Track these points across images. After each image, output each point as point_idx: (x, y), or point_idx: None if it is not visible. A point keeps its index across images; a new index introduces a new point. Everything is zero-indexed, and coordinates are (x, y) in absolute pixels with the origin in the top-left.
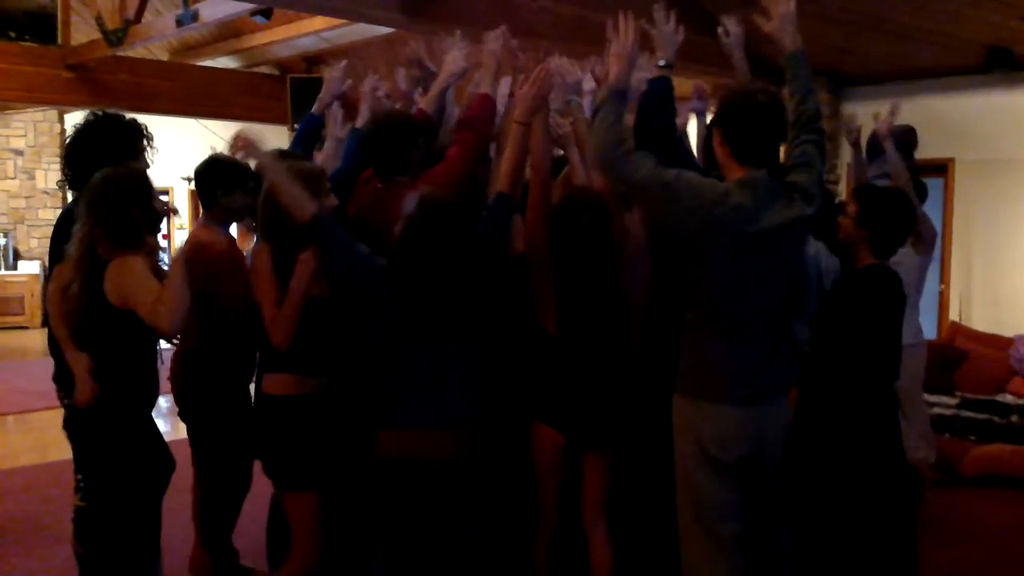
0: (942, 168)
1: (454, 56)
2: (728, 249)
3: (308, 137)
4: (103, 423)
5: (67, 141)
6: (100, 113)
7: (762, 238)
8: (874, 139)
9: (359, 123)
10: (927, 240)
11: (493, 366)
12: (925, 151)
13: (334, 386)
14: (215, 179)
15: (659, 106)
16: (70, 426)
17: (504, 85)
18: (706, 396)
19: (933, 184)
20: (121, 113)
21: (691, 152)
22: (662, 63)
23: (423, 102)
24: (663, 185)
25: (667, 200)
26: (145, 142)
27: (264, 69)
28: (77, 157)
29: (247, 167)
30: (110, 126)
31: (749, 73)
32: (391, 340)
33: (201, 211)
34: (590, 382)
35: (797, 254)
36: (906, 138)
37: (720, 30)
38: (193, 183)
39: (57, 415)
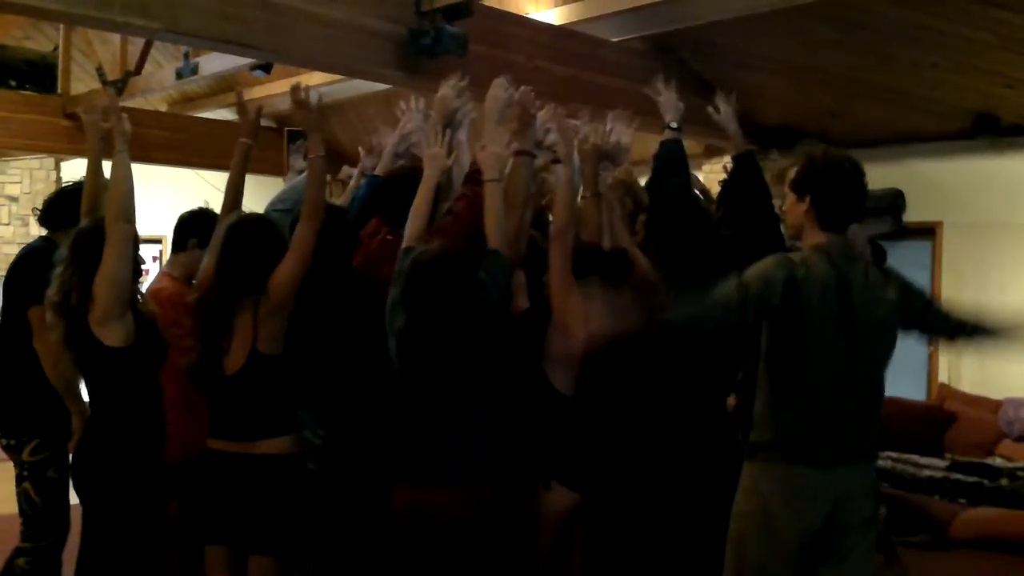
0: (930, 231)
1: (443, 95)
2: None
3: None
4: (112, 462)
5: (64, 186)
6: None
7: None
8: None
9: (379, 170)
10: None
11: (501, 426)
12: (914, 214)
13: (302, 444)
14: (194, 229)
15: (673, 166)
16: (79, 468)
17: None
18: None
19: (921, 247)
20: None
21: (706, 209)
22: (674, 125)
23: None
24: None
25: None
26: None
27: (262, 121)
28: (66, 201)
29: None
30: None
31: (744, 142)
32: (404, 395)
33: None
34: (607, 441)
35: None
36: (894, 201)
37: (710, 109)
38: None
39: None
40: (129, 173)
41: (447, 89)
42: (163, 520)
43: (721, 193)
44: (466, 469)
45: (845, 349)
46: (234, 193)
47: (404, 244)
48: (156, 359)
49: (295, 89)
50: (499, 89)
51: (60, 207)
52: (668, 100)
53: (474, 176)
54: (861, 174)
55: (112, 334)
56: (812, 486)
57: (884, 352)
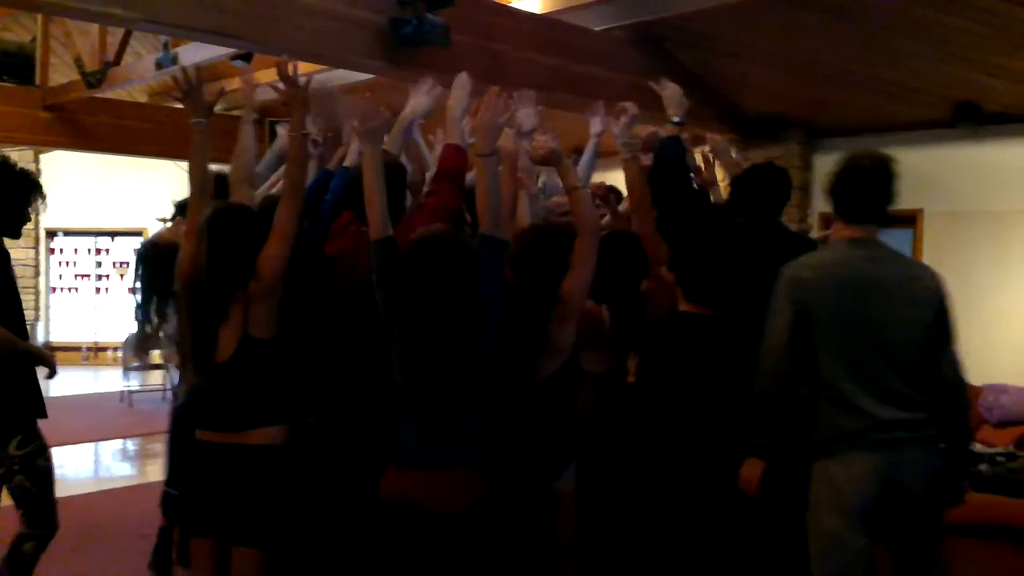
0: (911, 219)
1: (419, 99)
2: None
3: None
4: None
5: None
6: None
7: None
8: None
9: (348, 162)
10: None
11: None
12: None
13: (295, 433)
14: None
15: (675, 159)
16: None
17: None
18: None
19: (903, 235)
20: (14, 163)
21: (708, 197)
22: (676, 120)
23: (387, 142)
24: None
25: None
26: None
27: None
28: None
29: None
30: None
31: (737, 164)
32: (400, 376)
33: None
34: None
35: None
36: None
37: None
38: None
39: None
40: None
41: (459, 90)
42: None
43: (733, 182)
44: (460, 454)
45: (873, 338)
46: (202, 180)
47: (372, 236)
48: None
49: (281, 63)
50: (460, 88)
51: None
52: (673, 95)
53: (444, 172)
54: (879, 170)
55: None
56: (870, 465)
57: (925, 334)
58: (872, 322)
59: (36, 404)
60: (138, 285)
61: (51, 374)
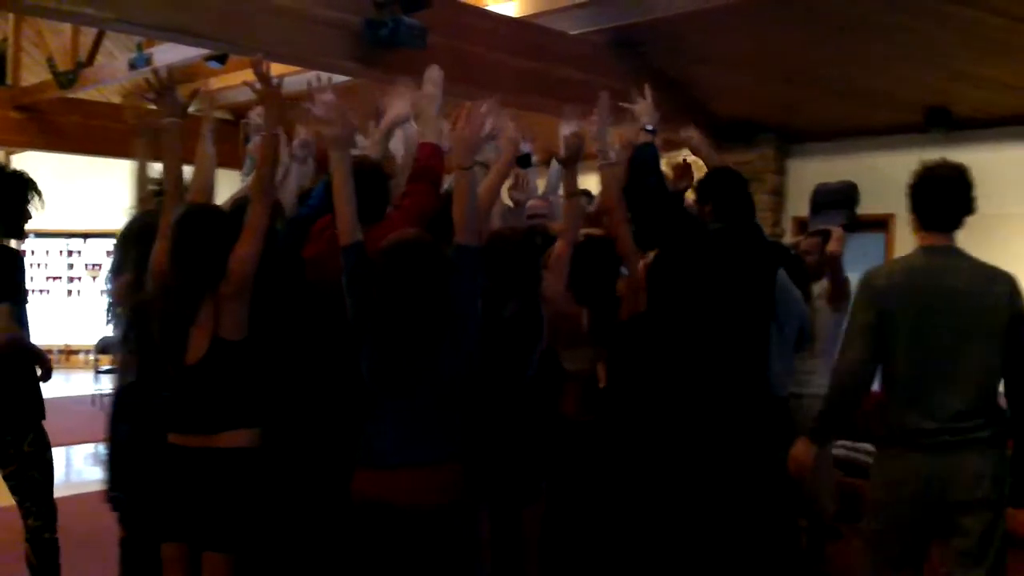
0: (883, 223)
1: (397, 105)
2: None
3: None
4: None
5: None
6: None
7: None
8: (817, 196)
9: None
10: (845, 297)
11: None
12: (868, 207)
13: (268, 437)
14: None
15: (649, 164)
16: None
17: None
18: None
19: (874, 239)
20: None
21: (683, 200)
22: (650, 128)
23: (368, 148)
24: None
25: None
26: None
27: (218, 114)
28: None
29: None
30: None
31: (716, 158)
32: (371, 380)
33: None
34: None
35: None
36: (849, 194)
37: (684, 135)
38: None
39: None
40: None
41: (430, 87)
42: None
43: (699, 187)
44: (432, 453)
45: (938, 345)
46: (175, 180)
47: (341, 242)
48: None
49: (256, 62)
50: (432, 83)
51: None
52: (645, 107)
53: (420, 172)
54: (957, 179)
55: None
56: (921, 467)
57: (987, 343)
58: (944, 329)
59: (41, 404)
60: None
61: (46, 376)
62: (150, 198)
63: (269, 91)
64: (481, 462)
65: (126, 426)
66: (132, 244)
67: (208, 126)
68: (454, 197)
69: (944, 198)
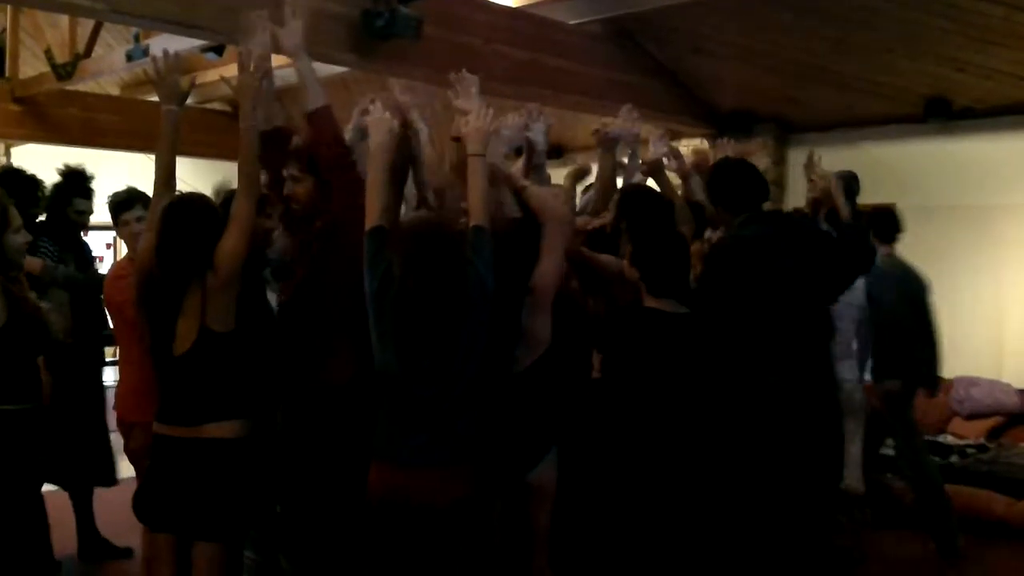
0: None
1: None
2: None
3: None
4: None
5: None
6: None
7: None
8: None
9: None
10: None
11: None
12: (867, 197)
13: (257, 428)
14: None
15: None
16: None
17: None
18: None
19: None
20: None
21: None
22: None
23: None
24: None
25: None
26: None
27: (216, 105)
28: None
29: None
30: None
31: (702, 191)
32: (395, 370)
33: None
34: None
35: None
36: (848, 184)
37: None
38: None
39: None
40: None
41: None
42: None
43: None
44: (453, 453)
45: None
46: (166, 170)
47: (368, 224)
48: (31, 346)
49: (242, 53)
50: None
51: None
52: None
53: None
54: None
55: None
56: None
57: None
58: None
59: None
60: None
61: None
62: None
63: (242, 79)
64: (490, 458)
65: None
66: None
67: (169, 104)
68: (468, 183)
69: None
